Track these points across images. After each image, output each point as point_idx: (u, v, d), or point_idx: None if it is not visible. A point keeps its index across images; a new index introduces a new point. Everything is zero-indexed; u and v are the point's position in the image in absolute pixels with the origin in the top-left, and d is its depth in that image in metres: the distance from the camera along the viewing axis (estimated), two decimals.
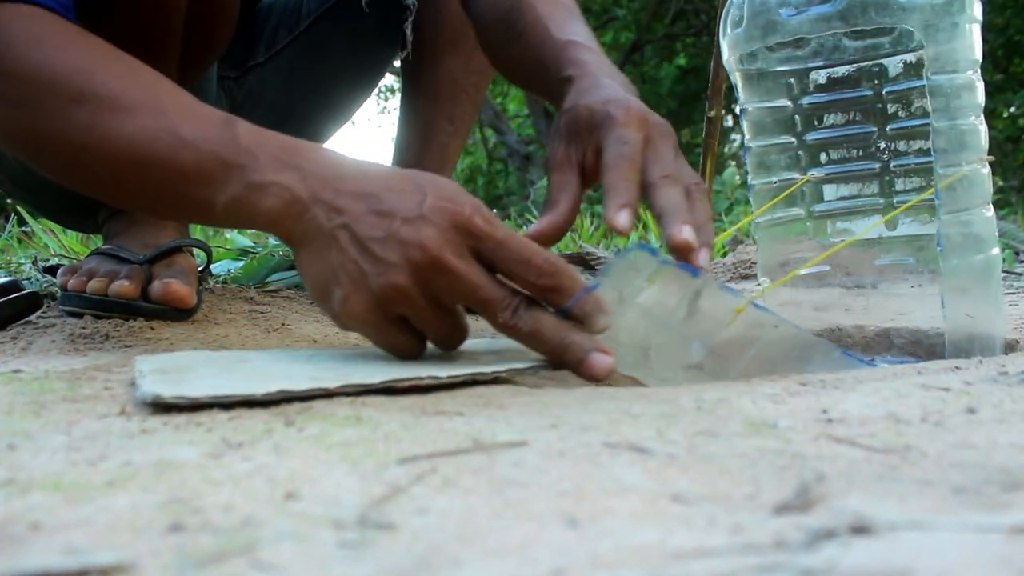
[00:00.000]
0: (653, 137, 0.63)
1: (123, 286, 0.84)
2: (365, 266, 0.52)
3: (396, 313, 0.54)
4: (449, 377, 0.52)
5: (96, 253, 0.92)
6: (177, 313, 0.85)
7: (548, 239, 0.62)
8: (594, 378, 0.53)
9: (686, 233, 0.57)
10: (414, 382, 0.50)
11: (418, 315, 0.54)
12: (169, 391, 0.45)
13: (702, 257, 0.57)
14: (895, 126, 0.75)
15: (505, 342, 0.60)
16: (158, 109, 0.57)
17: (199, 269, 0.95)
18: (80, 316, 0.91)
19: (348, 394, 0.48)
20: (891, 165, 0.76)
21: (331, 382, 0.48)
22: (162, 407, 0.45)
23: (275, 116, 1.14)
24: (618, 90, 0.65)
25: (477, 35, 0.87)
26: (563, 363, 0.54)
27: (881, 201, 0.76)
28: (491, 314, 0.54)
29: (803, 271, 0.78)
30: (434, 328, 0.55)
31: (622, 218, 0.57)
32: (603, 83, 0.67)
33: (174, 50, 0.84)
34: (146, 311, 0.84)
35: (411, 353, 0.56)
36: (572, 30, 0.76)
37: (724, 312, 0.58)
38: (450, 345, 0.57)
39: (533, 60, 0.77)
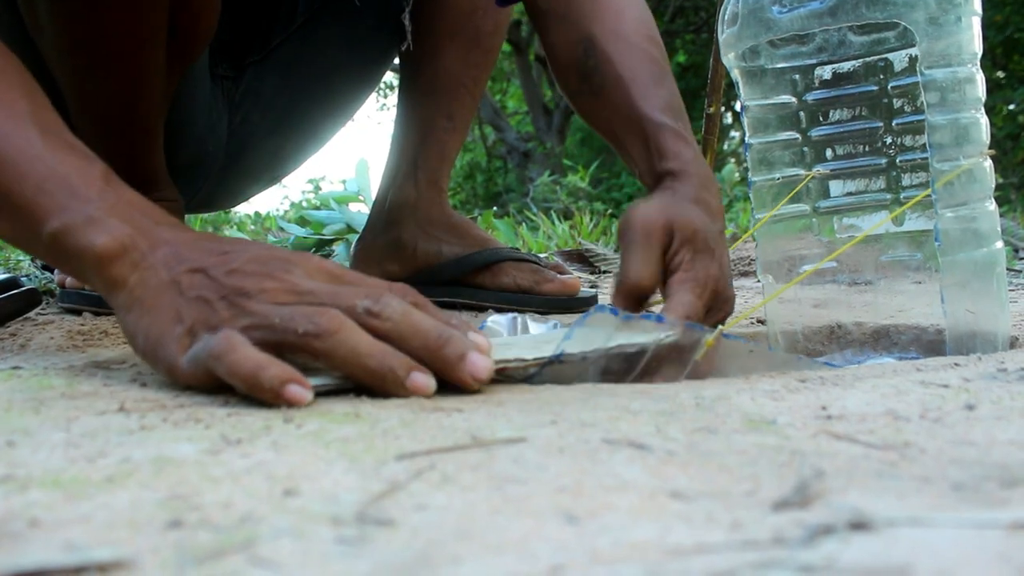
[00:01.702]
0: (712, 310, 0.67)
1: None
2: (221, 296, 0.48)
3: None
4: (535, 359, 0.54)
5: None
6: None
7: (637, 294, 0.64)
8: (474, 377, 0.48)
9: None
10: (501, 365, 0.52)
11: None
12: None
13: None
14: (901, 121, 0.75)
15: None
16: (24, 114, 0.53)
17: None
18: (79, 313, 0.91)
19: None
20: (897, 160, 0.75)
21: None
22: (152, 408, 0.45)
23: (274, 114, 1.13)
24: (714, 224, 0.69)
25: (551, 68, 0.86)
26: (441, 358, 0.48)
27: (888, 196, 0.76)
28: (351, 309, 0.48)
29: (812, 271, 0.78)
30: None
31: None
32: (702, 200, 0.69)
33: (160, 40, 0.84)
34: None
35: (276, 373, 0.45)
36: (659, 101, 0.75)
37: (693, 347, 0.59)
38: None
39: (617, 127, 0.77)
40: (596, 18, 0.80)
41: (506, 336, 0.67)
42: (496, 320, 0.68)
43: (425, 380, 0.47)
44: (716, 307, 0.66)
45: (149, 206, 0.54)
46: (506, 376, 0.54)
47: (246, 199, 1.31)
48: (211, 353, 0.45)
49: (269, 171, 1.24)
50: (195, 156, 1.08)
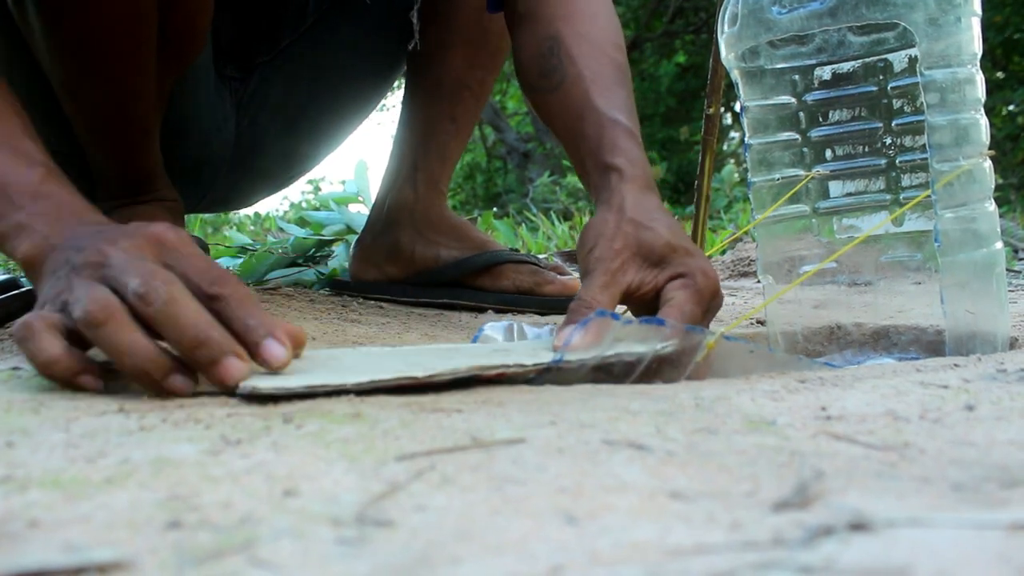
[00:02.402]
0: (708, 311, 0.66)
1: None
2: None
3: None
4: (535, 365, 0.54)
5: None
6: None
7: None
8: (224, 384, 0.46)
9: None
10: (501, 370, 0.52)
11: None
12: (266, 384, 0.46)
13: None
14: (900, 121, 0.75)
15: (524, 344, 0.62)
16: None
17: None
18: None
19: (436, 385, 0.50)
20: (897, 161, 0.75)
21: (419, 372, 0.49)
22: (152, 408, 0.45)
23: (283, 116, 1.13)
24: (674, 223, 0.68)
25: (515, 64, 0.87)
26: (194, 360, 0.47)
27: (887, 197, 0.76)
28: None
29: (813, 272, 0.78)
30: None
31: None
32: (650, 209, 0.68)
33: (152, 41, 0.84)
34: None
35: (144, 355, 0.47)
36: (617, 101, 0.76)
37: (694, 350, 0.59)
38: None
39: (571, 120, 0.77)
40: (566, 20, 0.82)
41: (502, 343, 0.67)
42: (493, 327, 0.68)
43: (183, 382, 0.47)
44: (712, 308, 0.66)
45: (79, 207, 0.57)
46: (507, 378, 0.54)
47: (260, 200, 1.31)
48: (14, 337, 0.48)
49: (282, 173, 1.23)
50: (200, 157, 1.07)
